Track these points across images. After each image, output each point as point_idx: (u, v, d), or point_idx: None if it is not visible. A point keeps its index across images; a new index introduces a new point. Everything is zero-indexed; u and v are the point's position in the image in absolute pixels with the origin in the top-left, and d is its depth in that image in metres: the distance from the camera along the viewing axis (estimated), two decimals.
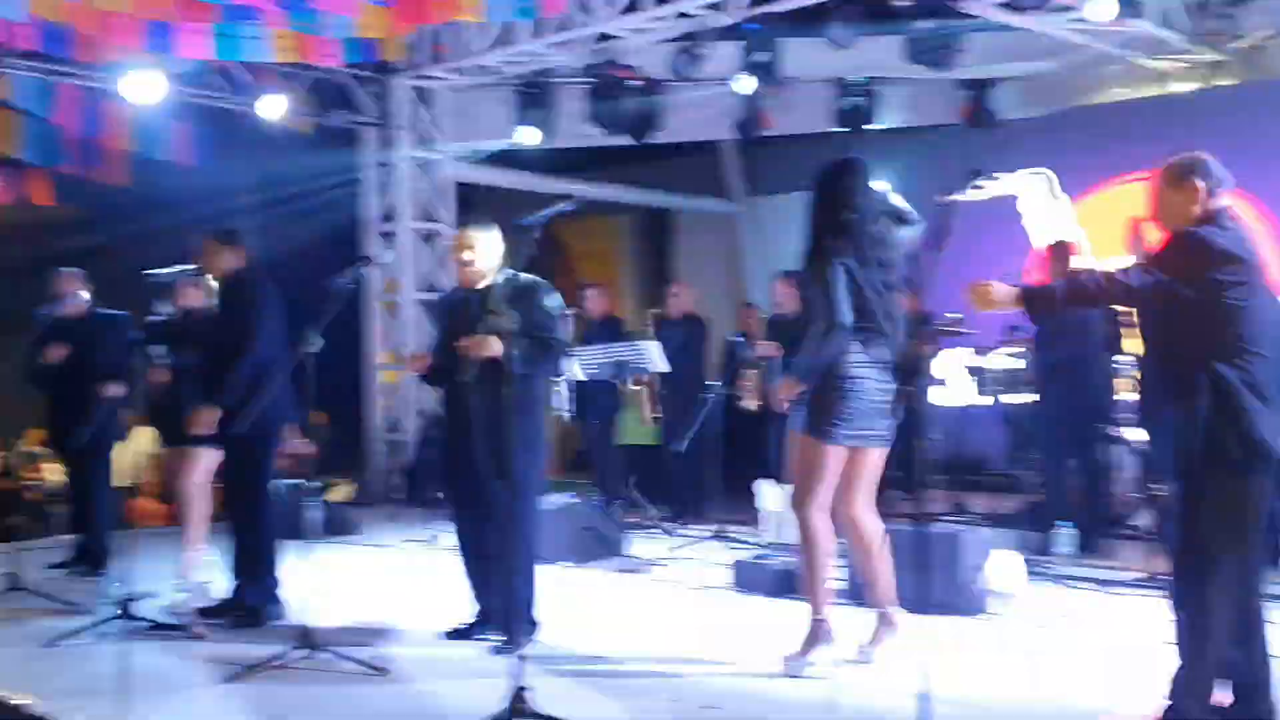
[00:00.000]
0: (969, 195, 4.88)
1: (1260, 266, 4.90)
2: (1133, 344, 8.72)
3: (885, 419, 6.28)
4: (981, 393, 11.88)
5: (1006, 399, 11.93)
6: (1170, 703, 4.86)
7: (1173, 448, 4.91)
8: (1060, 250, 10.14)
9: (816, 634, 6.29)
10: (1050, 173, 14.56)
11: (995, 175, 4.94)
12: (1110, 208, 13.52)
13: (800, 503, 6.38)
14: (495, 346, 6.50)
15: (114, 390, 9.29)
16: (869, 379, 6.21)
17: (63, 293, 9.70)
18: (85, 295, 9.75)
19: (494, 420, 6.44)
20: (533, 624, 7.05)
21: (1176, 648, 4.87)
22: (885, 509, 6.62)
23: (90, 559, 9.80)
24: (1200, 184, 4.99)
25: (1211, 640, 4.79)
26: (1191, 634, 4.83)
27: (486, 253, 7.04)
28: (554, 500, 9.92)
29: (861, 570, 6.64)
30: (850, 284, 6.13)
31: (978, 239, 12.87)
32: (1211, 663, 4.81)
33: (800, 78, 14.29)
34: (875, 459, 6.47)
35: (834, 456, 6.31)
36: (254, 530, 7.85)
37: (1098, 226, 13.83)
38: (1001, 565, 7.64)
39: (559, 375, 9.20)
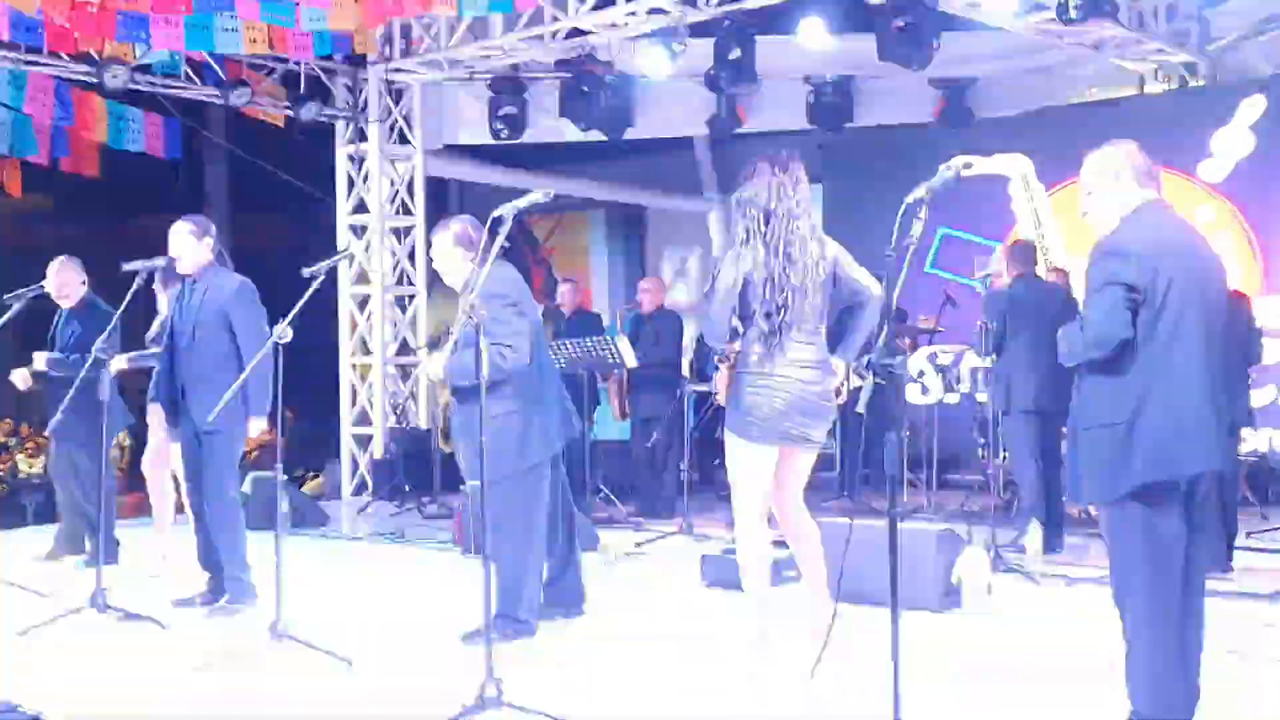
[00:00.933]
0: (960, 174, 4.84)
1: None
2: None
3: (816, 419, 6.21)
4: (953, 391, 11.91)
5: (979, 398, 11.95)
6: (1131, 704, 4.87)
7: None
8: (1019, 250, 10.13)
9: (767, 639, 6.25)
10: (1029, 160, 14.60)
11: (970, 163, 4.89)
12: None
13: (734, 506, 6.39)
14: (433, 369, 6.55)
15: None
16: (788, 377, 6.16)
17: (60, 281, 9.60)
18: (83, 284, 9.65)
19: (464, 420, 6.46)
20: (515, 622, 7.00)
21: (1125, 647, 4.89)
22: (857, 505, 6.59)
23: (73, 545, 9.80)
24: (1129, 178, 4.95)
25: (1151, 641, 4.78)
26: (1132, 636, 4.84)
27: (443, 254, 7.04)
28: None
29: (800, 568, 6.62)
30: (766, 281, 6.10)
31: (953, 237, 12.96)
32: (1156, 664, 4.79)
33: (774, 75, 14.33)
34: (802, 459, 6.37)
35: (752, 455, 6.26)
36: (224, 521, 7.84)
37: (1068, 222, 13.91)
38: (972, 562, 7.66)
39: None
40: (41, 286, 9.38)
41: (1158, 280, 4.72)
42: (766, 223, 6.16)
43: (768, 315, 6.11)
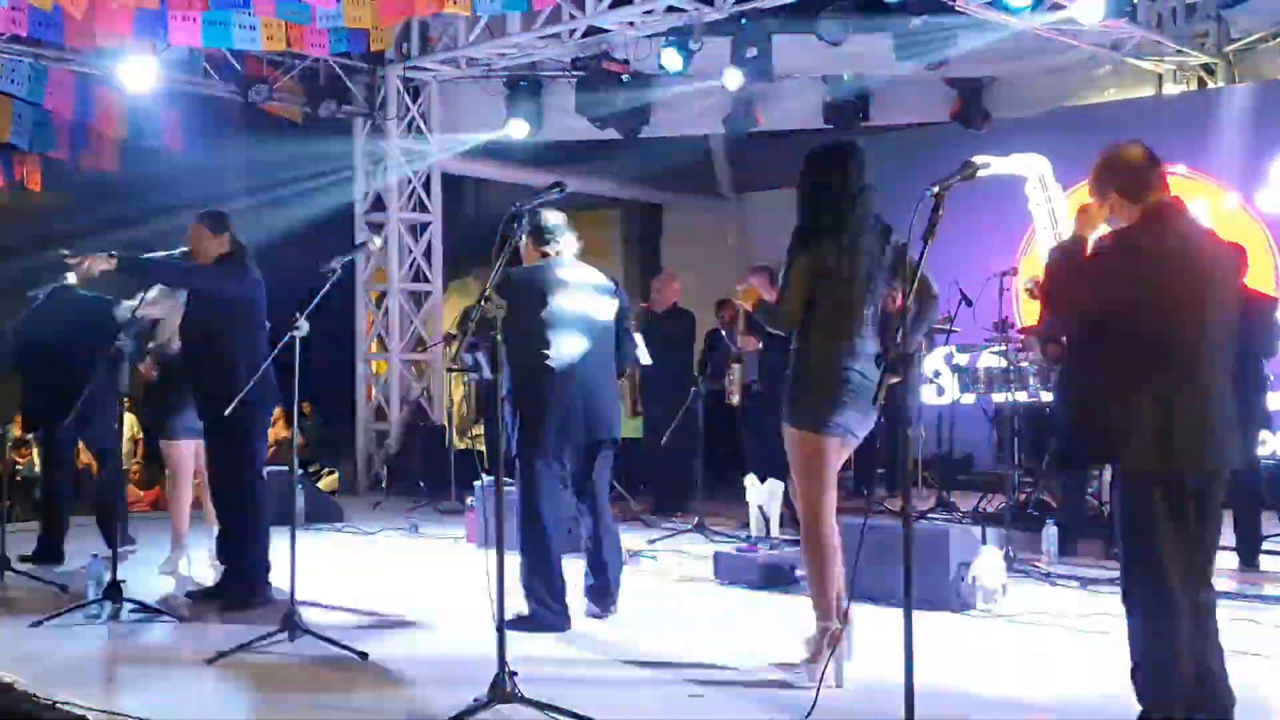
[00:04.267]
0: (977, 173, 4.82)
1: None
2: None
3: (867, 415, 6.09)
4: (968, 391, 11.89)
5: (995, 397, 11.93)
6: (1139, 702, 4.86)
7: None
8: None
9: (823, 641, 6.12)
10: (1046, 161, 14.52)
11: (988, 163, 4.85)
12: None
13: (804, 503, 6.21)
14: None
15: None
16: (853, 369, 6.12)
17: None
18: (71, 279, 9.64)
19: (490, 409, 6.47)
20: (530, 612, 7.10)
21: (1129, 646, 4.88)
22: (872, 504, 6.53)
23: (52, 550, 9.76)
24: (1147, 179, 4.95)
25: (1157, 638, 4.78)
26: (1138, 633, 4.84)
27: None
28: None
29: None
30: (835, 271, 6.04)
31: (969, 236, 12.92)
32: (1160, 659, 4.78)
33: (791, 74, 14.33)
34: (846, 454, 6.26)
35: (830, 449, 6.22)
36: (241, 515, 7.85)
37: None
38: (987, 563, 7.65)
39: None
40: (65, 279, 9.42)
41: (1165, 279, 4.75)
42: (835, 212, 6.14)
43: (837, 306, 6.05)
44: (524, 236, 7.21)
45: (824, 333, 6.05)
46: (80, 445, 10.08)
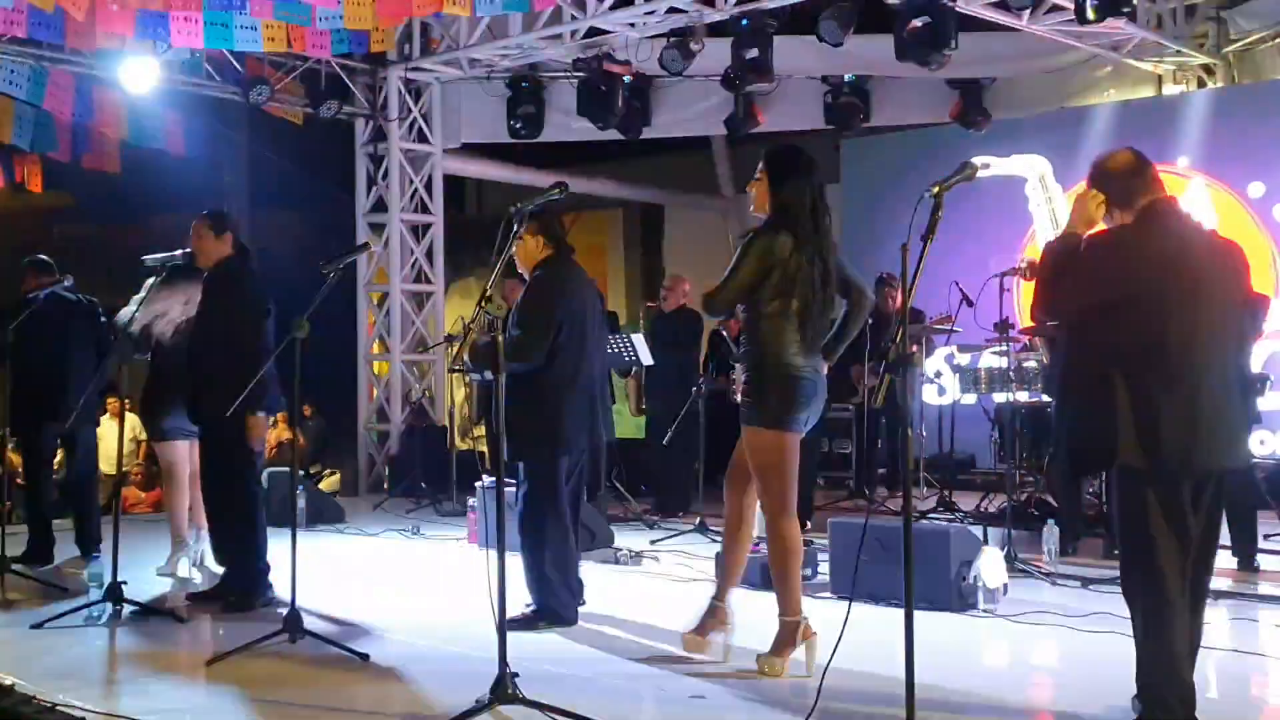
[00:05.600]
0: (977, 173, 4.82)
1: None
2: None
3: (817, 409, 6.30)
4: (969, 391, 11.88)
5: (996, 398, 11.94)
6: (1139, 698, 4.87)
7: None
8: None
9: (796, 635, 6.21)
10: (1046, 161, 14.53)
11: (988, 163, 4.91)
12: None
13: (777, 501, 6.29)
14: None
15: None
16: (818, 370, 6.20)
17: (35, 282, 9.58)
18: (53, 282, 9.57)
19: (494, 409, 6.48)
20: (536, 614, 7.15)
21: (1134, 642, 4.89)
22: (872, 505, 6.52)
23: (41, 551, 9.75)
24: (1142, 182, 4.98)
25: (1153, 637, 4.79)
26: (1138, 632, 4.86)
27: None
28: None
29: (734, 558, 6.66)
30: (809, 273, 6.06)
31: (969, 236, 12.93)
32: (1159, 652, 4.79)
33: (791, 75, 14.33)
34: None
35: (796, 446, 6.29)
36: (241, 517, 7.85)
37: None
38: (988, 563, 7.65)
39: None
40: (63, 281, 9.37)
41: (1154, 278, 4.78)
42: (812, 215, 6.15)
43: (806, 307, 6.08)
44: (526, 231, 7.19)
45: (798, 338, 6.12)
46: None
